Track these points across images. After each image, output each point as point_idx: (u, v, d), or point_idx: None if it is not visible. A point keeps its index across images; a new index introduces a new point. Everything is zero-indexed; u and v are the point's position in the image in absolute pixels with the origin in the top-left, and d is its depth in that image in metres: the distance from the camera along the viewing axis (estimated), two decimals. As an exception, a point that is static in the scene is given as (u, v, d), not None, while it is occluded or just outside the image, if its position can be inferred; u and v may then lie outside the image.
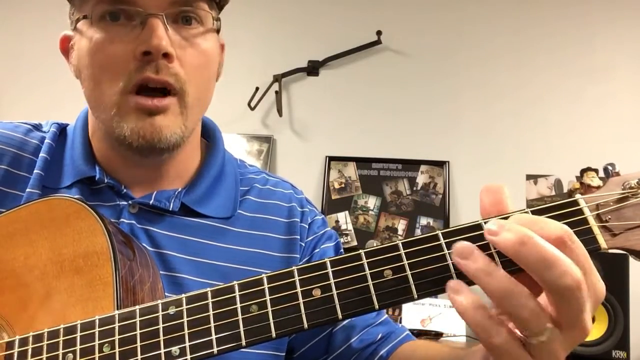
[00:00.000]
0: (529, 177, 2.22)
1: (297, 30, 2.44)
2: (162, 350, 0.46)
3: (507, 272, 0.40)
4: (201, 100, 0.69)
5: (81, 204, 0.58)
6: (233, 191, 0.76)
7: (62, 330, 0.50)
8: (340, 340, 0.74)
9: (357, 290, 0.44)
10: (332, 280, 0.45)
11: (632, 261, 1.69)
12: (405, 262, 0.44)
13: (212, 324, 0.46)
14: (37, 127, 0.75)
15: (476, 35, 2.35)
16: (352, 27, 2.39)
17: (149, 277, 0.59)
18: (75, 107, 0.77)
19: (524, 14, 2.33)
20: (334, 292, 0.44)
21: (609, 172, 0.47)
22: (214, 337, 0.45)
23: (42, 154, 0.70)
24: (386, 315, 0.79)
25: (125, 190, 0.69)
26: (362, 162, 2.32)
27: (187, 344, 0.46)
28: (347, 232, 2.25)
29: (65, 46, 0.71)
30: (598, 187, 0.46)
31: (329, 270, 0.45)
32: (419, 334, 1.82)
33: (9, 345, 0.52)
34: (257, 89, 2.32)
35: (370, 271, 0.44)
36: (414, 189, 2.27)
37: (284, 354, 0.73)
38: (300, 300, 0.45)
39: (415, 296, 0.43)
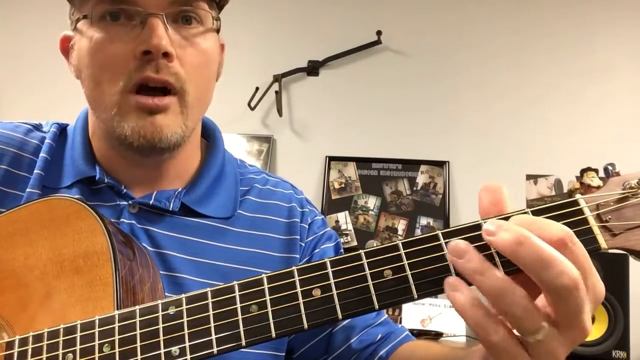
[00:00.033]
0: (529, 177, 2.22)
1: (297, 30, 2.44)
2: (162, 350, 0.46)
3: (506, 273, 0.41)
4: (201, 100, 0.69)
5: (81, 204, 0.58)
6: (233, 191, 0.76)
7: (62, 330, 0.50)
8: (340, 340, 0.74)
9: (357, 290, 0.44)
10: (332, 280, 0.45)
11: (632, 261, 1.69)
12: (405, 262, 0.44)
13: (212, 324, 0.46)
14: (37, 127, 0.75)
15: (476, 35, 2.35)
16: (352, 27, 2.39)
17: (149, 277, 0.59)
18: (75, 107, 0.77)
19: (524, 14, 2.33)
20: (334, 292, 0.44)
21: (609, 172, 0.47)
22: (213, 337, 0.45)
23: (42, 154, 0.70)
24: (386, 316, 0.79)
25: (125, 190, 0.69)
26: (362, 162, 2.32)
27: (187, 344, 0.46)
28: (347, 232, 2.25)
29: (66, 46, 0.71)
30: (598, 187, 0.46)
31: (329, 270, 0.45)
32: (419, 334, 1.82)
33: (9, 345, 0.52)
34: (257, 89, 2.32)
35: (370, 271, 0.44)
36: (414, 189, 2.27)
37: (283, 354, 0.73)
38: (300, 300, 0.45)
39: (415, 296, 0.43)
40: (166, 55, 0.62)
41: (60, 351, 0.49)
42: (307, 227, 0.79)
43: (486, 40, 2.34)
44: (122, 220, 0.67)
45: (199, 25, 0.66)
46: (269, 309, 0.45)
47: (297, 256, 0.75)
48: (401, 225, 2.25)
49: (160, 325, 0.47)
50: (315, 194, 2.29)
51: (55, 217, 0.58)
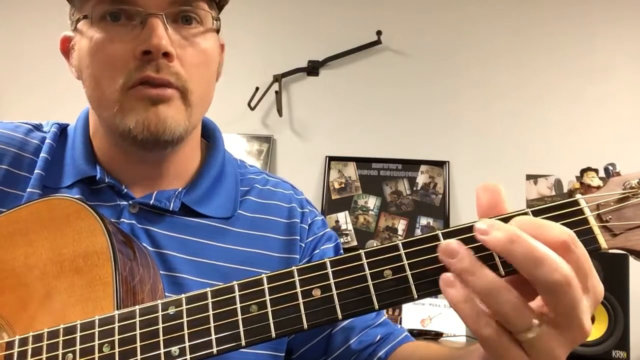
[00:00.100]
0: (529, 177, 2.22)
1: (297, 30, 2.44)
2: (162, 350, 0.46)
3: (507, 272, 0.41)
4: (204, 99, 0.69)
5: (81, 204, 0.58)
6: (233, 191, 0.76)
7: (62, 330, 0.50)
8: (339, 341, 0.74)
9: (357, 291, 0.44)
10: (332, 281, 0.45)
11: (632, 261, 1.69)
12: (405, 262, 0.44)
13: (212, 324, 0.46)
14: (38, 127, 0.75)
15: (476, 35, 2.34)
16: (352, 27, 2.39)
17: (150, 277, 0.59)
18: (75, 107, 0.77)
19: (524, 14, 2.33)
20: (334, 292, 0.44)
21: (609, 172, 0.47)
22: (213, 337, 0.45)
23: (42, 154, 0.70)
24: (385, 317, 0.79)
25: (125, 190, 0.69)
26: (362, 162, 2.32)
27: (187, 344, 0.46)
28: (347, 232, 2.25)
29: (66, 47, 0.71)
30: (598, 187, 0.46)
31: (329, 270, 0.45)
32: (419, 334, 1.83)
33: (9, 345, 0.52)
34: (257, 89, 2.32)
35: (370, 271, 0.44)
36: (414, 189, 2.27)
37: (283, 354, 0.73)
38: (300, 301, 0.45)
39: (415, 296, 0.43)
40: (166, 55, 0.62)
41: (60, 351, 0.49)
42: (307, 227, 0.79)
43: (486, 40, 2.34)
44: (122, 220, 0.67)
45: (199, 25, 0.66)
46: (269, 309, 0.45)
47: (297, 257, 0.75)
48: (401, 225, 2.25)
49: (160, 325, 0.47)
50: (315, 194, 2.29)
51: (55, 217, 0.58)
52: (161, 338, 0.46)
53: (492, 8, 2.35)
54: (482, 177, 2.14)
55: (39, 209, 0.59)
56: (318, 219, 0.82)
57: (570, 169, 2.12)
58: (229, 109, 2.33)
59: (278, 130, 2.38)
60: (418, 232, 2.22)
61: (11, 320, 0.55)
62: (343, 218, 2.27)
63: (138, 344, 0.47)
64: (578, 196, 0.44)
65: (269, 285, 0.46)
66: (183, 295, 0.48)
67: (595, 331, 1.69)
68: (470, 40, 2.34)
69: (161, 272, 0.64)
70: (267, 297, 0.45)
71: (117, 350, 0.47)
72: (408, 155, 2.29)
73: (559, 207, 0.43)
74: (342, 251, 0.80)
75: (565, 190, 2.17)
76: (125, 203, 0.69)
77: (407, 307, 1.95)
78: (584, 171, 1.79)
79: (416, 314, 1.95)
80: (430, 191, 2.26)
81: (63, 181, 0.69)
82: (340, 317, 0.44)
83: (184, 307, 0.47)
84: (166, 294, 0.62)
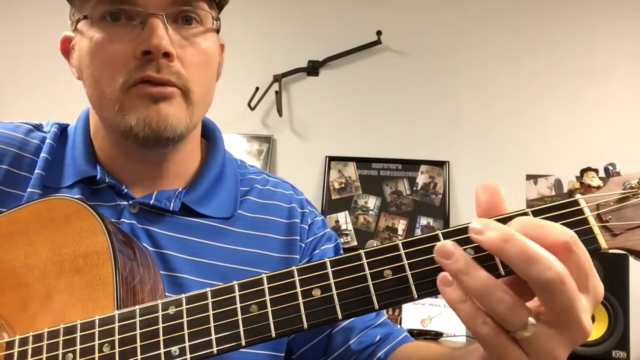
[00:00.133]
0: (529, 177, 2.22)
1: (297, 30, 2.44)
2: (162, 350, 0.46)
3: (505, 272, 0.42)
4: (205, 99, 0.69)
5: (81, 204, 0.58)
6: (233, 191, 0.76)
7: (62, 330, 0.50)
8: (339, 341, 0.74)
9: (357, 290, 0.44)
10: (332, 280, 0.45)
11: (632, 261, 1.69)
12: (405, 262, 0.44)
13: (212, 324, 0.46)
14: (38, 127, 0.75)
15: (476, 35, 2.35)
16: (352, 27, 2.39)
17: (150, 277, 0.59)
18: (75, 107, 0.77)
19: (524, 14, 2.33)
20: (334, 292, 0.44)
21: (609, 172, 0.47)
22: (213, 337, 0.45)
23: (43, 154, 0.70)
24: (385, 317, 0.79)
25: (126, 190, 0.69)
26: (362, 162, 2.32)
27: (187, 344, 0.46)
28: (347, 232, 2.25)
29: (66, 47, 0.71)
30: (598, 187, 0.46)
31: (329, 270, 0.45)
32: (419, 334, 1.83)
33: (9, 345, 0.52)
34: (257, 89, 2.32)
35: (370, 271, 0.44)
36: (414, 189, 2.27)
37: (282, 354, 0.73)
38: (300, 300, 0.45)
39: (415, 296, 0.43)
40: (167, 55, 0.62)
41: (60, 351, 0.49)
42: (307, 227, 0.79)
43: (486, 40, 2.34)
44: (122, 220, 0.67)
45: (199, 25, 0.67)
46: (269, 309, 0.45)
47: (297, 257, 0.75)
48: (401, 225, 2.25)
49: (160, 325, 0.47)
50: (315, 194, 2.29)
51: (55, 217, 0.58)
52: (161, 338, 0.46)
53: (492, 8, 2.35)
54: (482, 177, 2.14)
55: (39, 209, 0.59)
56: (318, 219, 0.82)
57: (570, 169, 2.12)
58: (229, 109, 2.33)
59: (278, 130, 2.38)
60: (418, 232, 2.22)
61: (11, 320, 0.55)
62: (343, 218, 2.27)
63: (138, 343, 0.47)
64: (578, 196, 0.44)
65: (269, 285, 0.46)
66: (183, 295, 0.48)
67: (595, 331, 1.69)
68: (470, 40, 2.34)
69: (161, 272, 0.64)
70: (267, 297, 0.45)
71: (117, 350, 0.47)
72: (408, 155, 2.29)
73: (559, 207, 0.43)
74: (342, 251, 0.80)
75: (565, 190, 2.17)
76: (126, 203, 0.69)
77: (407, 307, 1.95)
78: (584, 171, 1.79)
79: (416, 314, 1.95)
80: (430, 191, 2.26)
81: (63, 181, 0.69)
82: (340, 317, 0.44)
83: (184, 307, 0.47)
84: (166, 294, 0.62)
